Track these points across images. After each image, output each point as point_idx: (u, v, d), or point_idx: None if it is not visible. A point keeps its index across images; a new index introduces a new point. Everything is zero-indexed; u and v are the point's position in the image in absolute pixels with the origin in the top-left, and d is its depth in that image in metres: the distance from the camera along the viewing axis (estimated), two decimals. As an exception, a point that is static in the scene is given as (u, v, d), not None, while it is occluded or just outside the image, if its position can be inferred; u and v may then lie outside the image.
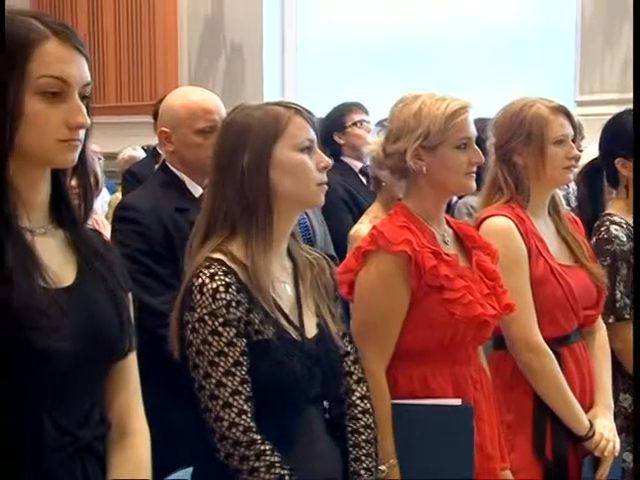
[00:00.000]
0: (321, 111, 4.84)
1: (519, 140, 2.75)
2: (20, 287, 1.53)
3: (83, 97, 1.61)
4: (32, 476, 1.55)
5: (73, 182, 1.70)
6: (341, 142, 4.67)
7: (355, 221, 4.08)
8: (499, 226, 2.69)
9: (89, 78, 1.62)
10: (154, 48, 7.70)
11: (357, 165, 4.67)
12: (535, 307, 2.65)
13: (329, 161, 2.08)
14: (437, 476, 2.27)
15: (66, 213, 1.69)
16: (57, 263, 1.63)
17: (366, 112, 4.78)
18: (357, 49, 7.32)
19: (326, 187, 2.07)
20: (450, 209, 3.99)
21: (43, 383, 1.56)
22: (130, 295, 1.75)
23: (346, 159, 4.66)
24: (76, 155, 1.62)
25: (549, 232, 2.81)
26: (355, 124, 4.71)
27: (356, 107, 4.79)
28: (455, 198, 4.05)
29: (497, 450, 2.45)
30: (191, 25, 7.54)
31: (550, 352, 2.65)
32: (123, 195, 5.01)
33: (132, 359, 1.74)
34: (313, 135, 2.06)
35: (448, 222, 2.51)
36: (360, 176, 4.66)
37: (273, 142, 2.01)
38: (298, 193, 2.03)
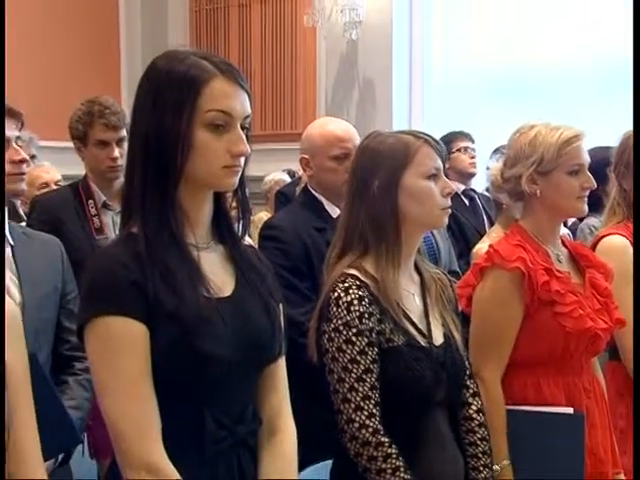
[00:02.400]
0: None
1: (623, 166, 2.77)
2: (187, 297, 1.56)
3: (243, 127, 1.62)
4: (196, 464, 1.59)
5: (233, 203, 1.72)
6: (446, 166, 4.65)
7: (457, 239, 4.08)
8: (614, 243, 2.70)
9: (249, 111, 1.63)
10: (295, 83, 7.79)
11: (460, 187, 4.66)
12: None
13: (453, 187, 2.08)
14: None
15: (226, 230, 1.71)
16: (218, 275, 1.65)
17: (471, 140, 4.84)
18: (477, 82, 7.24)
19: (449, 211, 2.07)
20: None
21: (205, 383, 1.59)
22: (281, 306, 1.76)
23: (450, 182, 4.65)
24: (237, 179, 1.63)
25: None
26: (460, 150, 4.75)
27: (462, 135, 4.85)
28: (573, 219, 3.99)
29: (609, 455, 2.38)
30: (328, 62, 7.60)
31: None
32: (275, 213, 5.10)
33: (282, 363, 1.75)
34: (439, 163, 2.06)
35: (564, 242, 2.47)
36: (462, 197, 4.64)
37: (402, 169, 2.02)
38: (423, 216, 2.04)
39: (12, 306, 1.48)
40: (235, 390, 1.64)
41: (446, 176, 4.65)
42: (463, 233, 4.29)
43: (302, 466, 2.05)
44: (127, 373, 1.53)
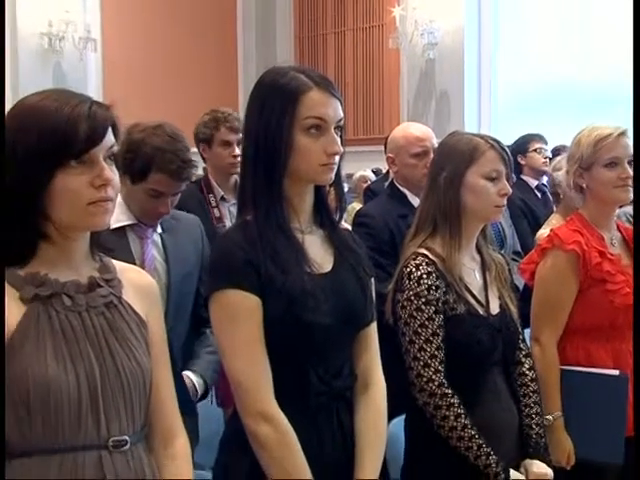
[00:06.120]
0: (509, 141, 4.74)
1: None
2: (293, 274, 1.56)
3: (338, 128, 1.60)
4: (301, 414, 1.58)
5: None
6: (522, 163, 4.59)
7: (530, 227, 4.01)
8: None
9: (341, 115, 1.60)
10: (382, 95, 7.79)
11: (533, 183, 4.59)
12: None
13: (509, 189, 2.01)
14: (593, 431, 2.20)
15: (325, 216, 1.69)
16: (319, 255, 1.64)
17: (545, 142, 4.69)
18: (539, 94, 7.08)
19: (503, 208, 2.03)
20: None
21: (309, 346, 1.58)
22: (372, 280, 1.73)
23: (525, 177, 4.59)
24: (333, 175, 1.62)
25: None
26: (535, 150, 4.61)
27: (538, 137, 4.69)
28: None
29: None
30: (410, 77, 7.58)
31: None
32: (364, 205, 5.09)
33: (373, 327, 1.73)
34: (501, 168, 1.99)
35: (619, 228, 2.40)
36: (536, 191, 4.56)
37: (467, 167, 1.98)
38: (479, 210, 1.99)
39: (155, 283, 1.53)
40: (334, 351, 1.62)
41: (521, 172, 4.60)
42: (536, 221, 4.19)
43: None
44: (244, 337, 1.53)
